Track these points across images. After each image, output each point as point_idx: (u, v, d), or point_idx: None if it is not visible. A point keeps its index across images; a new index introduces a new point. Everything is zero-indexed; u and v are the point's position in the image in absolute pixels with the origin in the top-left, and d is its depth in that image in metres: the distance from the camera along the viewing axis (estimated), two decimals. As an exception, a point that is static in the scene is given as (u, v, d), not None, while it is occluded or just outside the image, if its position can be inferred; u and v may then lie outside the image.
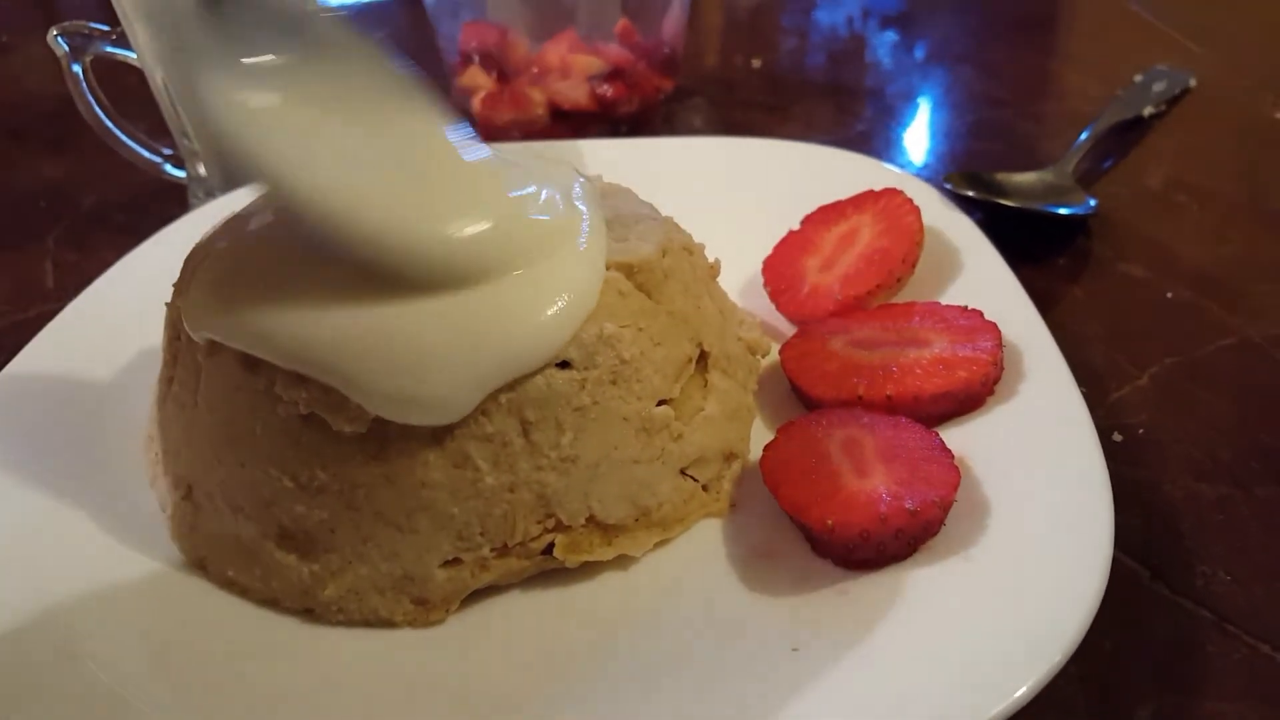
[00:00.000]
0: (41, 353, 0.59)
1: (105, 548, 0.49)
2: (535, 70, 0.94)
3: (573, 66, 0.94)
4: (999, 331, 0.53)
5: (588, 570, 0.48)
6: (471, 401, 0.44)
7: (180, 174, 0.84)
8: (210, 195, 0.83)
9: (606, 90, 0.95)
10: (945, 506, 0.44)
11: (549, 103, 0.95)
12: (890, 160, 0.91)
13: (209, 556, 0.48)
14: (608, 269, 0.48)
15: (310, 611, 0.47)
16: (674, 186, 0.69)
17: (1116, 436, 0.56)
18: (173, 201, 0.85)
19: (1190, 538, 0.50)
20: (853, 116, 1.03)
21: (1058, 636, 0.38)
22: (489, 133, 0.92)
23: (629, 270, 0.49)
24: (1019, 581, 0.42)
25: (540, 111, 0.95)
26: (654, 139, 0.84)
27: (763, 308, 0.65)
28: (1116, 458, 0.47)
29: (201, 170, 0.84)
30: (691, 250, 0.56)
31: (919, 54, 1.18)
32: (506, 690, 0.43)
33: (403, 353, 0.43)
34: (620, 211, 0.54)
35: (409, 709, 0.42)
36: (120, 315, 0.63)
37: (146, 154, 0.83)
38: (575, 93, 0.95)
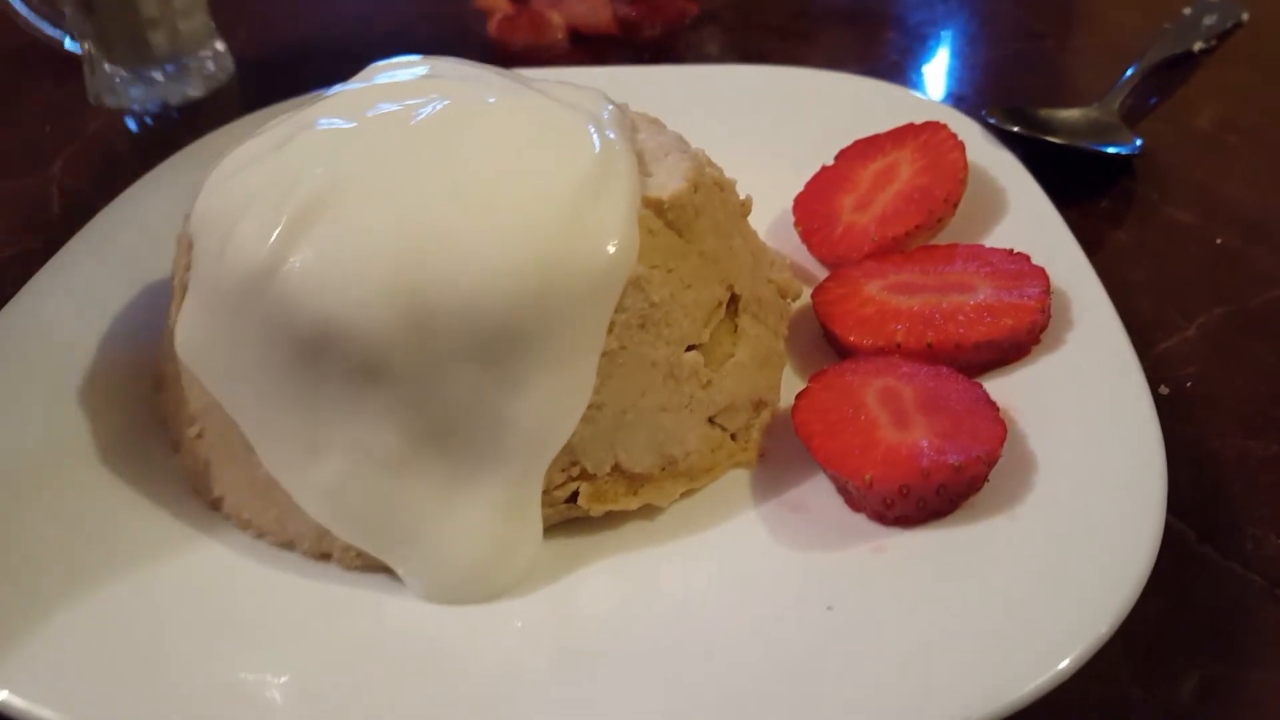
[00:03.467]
0: (49, 286, 0.57)
1: (114, 487, 0.48)
2: None
3: None
4: (1047, 277, 0.51)
5: (612, 520, 0.46)
6: None
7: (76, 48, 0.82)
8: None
9: (630, 12, 0.91)
10: (991, 462, 0.42)
11: (568, 26, 0.91)
12: (924, 93, 0.87)
13: (225, 497, 0.47)
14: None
15: (327, 556, 0.45)
16: (700, 116, 0.66)
17: (1163, 390, 0.54)
18: (180, 127, 0.82)
19: (1240, 498, 0.48)
20: (883, 46, 0.99)
21: (1105, 605, 0.37)
22: (506, 58, 0.89)
23: (659, 207, 0.47)
24: (1065, 545, 0.40)
25: (560, 35, 0.91)
26: (680, 66, 0.81)
27: (792, 248, 0.62)
28: (1163, 413, 0.45)
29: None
30: (723, 186, 0.53)
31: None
32: (526, 639, 0.41)
33: None
34: (648, 143, 0.52)
35: (424, 655, 0.41)
36: (129, 246, 0.60)
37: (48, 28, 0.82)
38: (596, 16, 0.92)
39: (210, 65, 0.88)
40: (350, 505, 0.43)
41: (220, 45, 0.89)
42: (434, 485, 0.42)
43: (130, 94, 0.85)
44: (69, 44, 0.81)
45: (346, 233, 0.41)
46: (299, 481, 0.43)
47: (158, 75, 0.85)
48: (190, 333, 0.45)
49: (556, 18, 0.91)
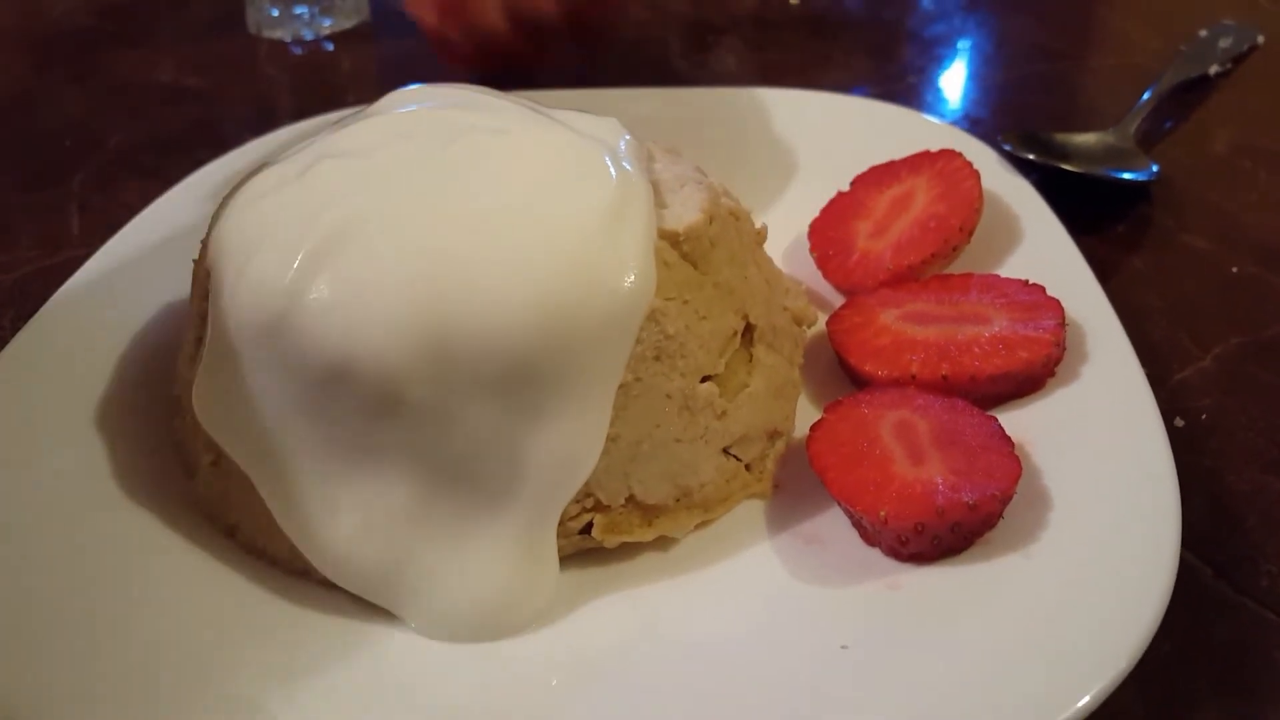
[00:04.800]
0: (67, 305, 0.57)
1: (130, 511, 0.48)
2: None
3: None
4: (1062, 309, 0.51)
5: (626, 551, 0.46)
6: None
7: None
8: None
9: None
10: (1005, 500, 0.42)
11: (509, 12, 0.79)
12: (939, 114, 0.87)
13: (239, 524, 0.47)
14: (653, 238, 0.46)
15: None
16: (716, 140, 0.67)
17: (1178, 422, 0.53)
18: (202, 144, 0.82)
19: (1256, 533, 0.48)
20: (899, 65, 0.99)
21: (1121, 643, 0.37)
22: (443, 55, 0.85)
23: (675, 239, 0.47)
24: (1080, 583, 0.40)
25: (500, 26, 0.80)
26: (696, 89, 0.81)
27: (808, 273, 0.62)
28: (1178, 445, 0.45)
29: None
30: (738, 216, 0.53)
31: (967, 5, 1.13)
32: (537, 673, 0.41)
33: None
34: (663, 174, 0.52)
35: (434, 687, 0.41)
36: (147, 266, 0.61)
37: None
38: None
39: (348, 5, 1.05)
40: (365, 564, 0.43)
41: None
42: (449, 534, 0.42)
43: (281, 27, 1.03)
44: None
45: (365, 265, 0.42)
46: (316, 545, 0.43)
47: (302, 12, 1.03)
48: (206, 387, 0.46)
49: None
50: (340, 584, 0.43)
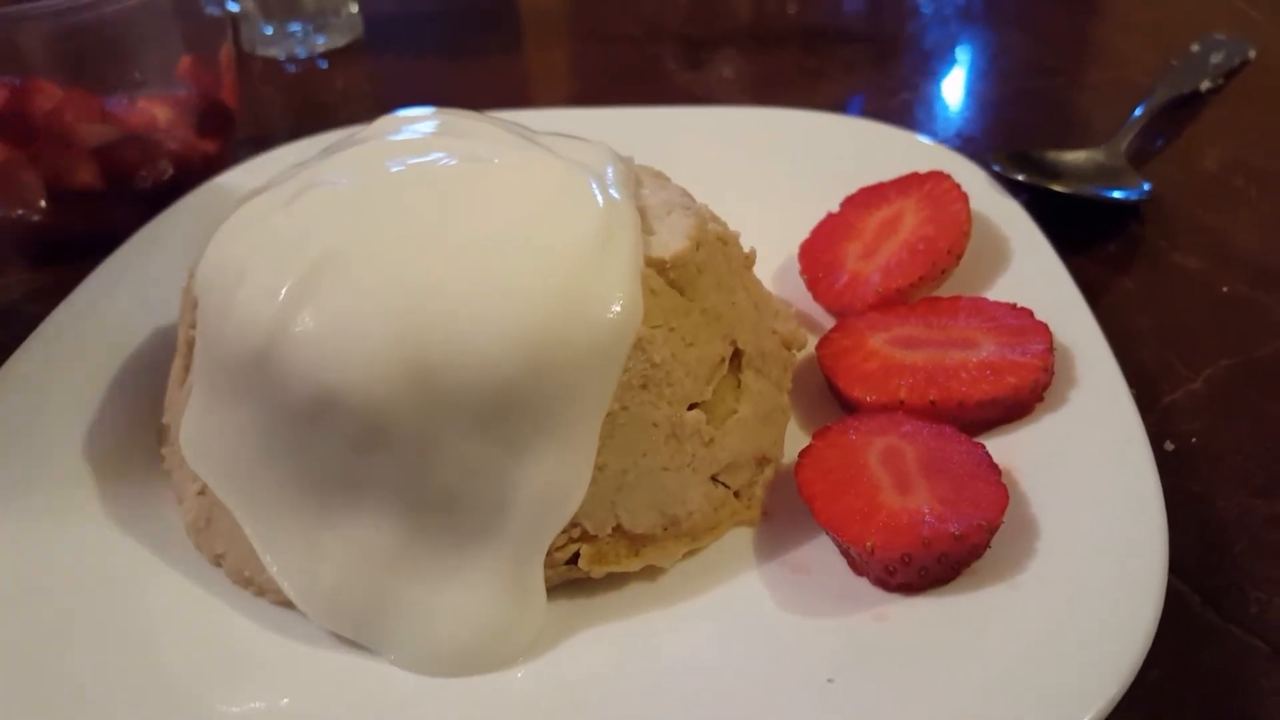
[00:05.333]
0: (60, 327, 0.57)
1: (119, 539, 0.48)
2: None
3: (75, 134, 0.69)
4: (1050, 334, 0.51)
5: (614, 581, 0.46)
6: None
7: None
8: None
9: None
10: (992, 530, 0.42)
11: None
12: (932, 131, 0.87)
13: (226, 554, 0.47)
14: (639, 266, 0.46)
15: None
16: (705, 159, 0.67)
17: (1168, 445, 0.53)
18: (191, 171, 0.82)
19: (1244, 559, 0.48)
20: (894, 79, 0.99)
21: (1110, 672, 0.37)
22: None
23: (661, 267, 0.47)
24: (1067, 613, 0.40)
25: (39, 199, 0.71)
26: (684, 108, 0.81)
27: (799, 294, 0.62)
28: (1168, 469, 0.45)
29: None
30: (726, 240, 0.53)
31: (963, 16, 1.13)
32: (524, 704, 0.41)
33: None
34: (650, 199, 0.52)
35: (421, 716, 0.41)
36: (141, 288, 0.61)
37: None
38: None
39: (342, 23, 1.07)
40: (350, 605, 0.43)
41: (354, 8, 1.08)
42: (435, 570, 0.42)
43: (276, 45, 1.05)
44: (230, 4, 0.87)
45: (350, 297, 0.42)
46: (300, 588, 0.43)
47: (296, 30, 1.04)
48: (195, 428, 0.46)
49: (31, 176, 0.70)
50: (325, 626, 0.43)
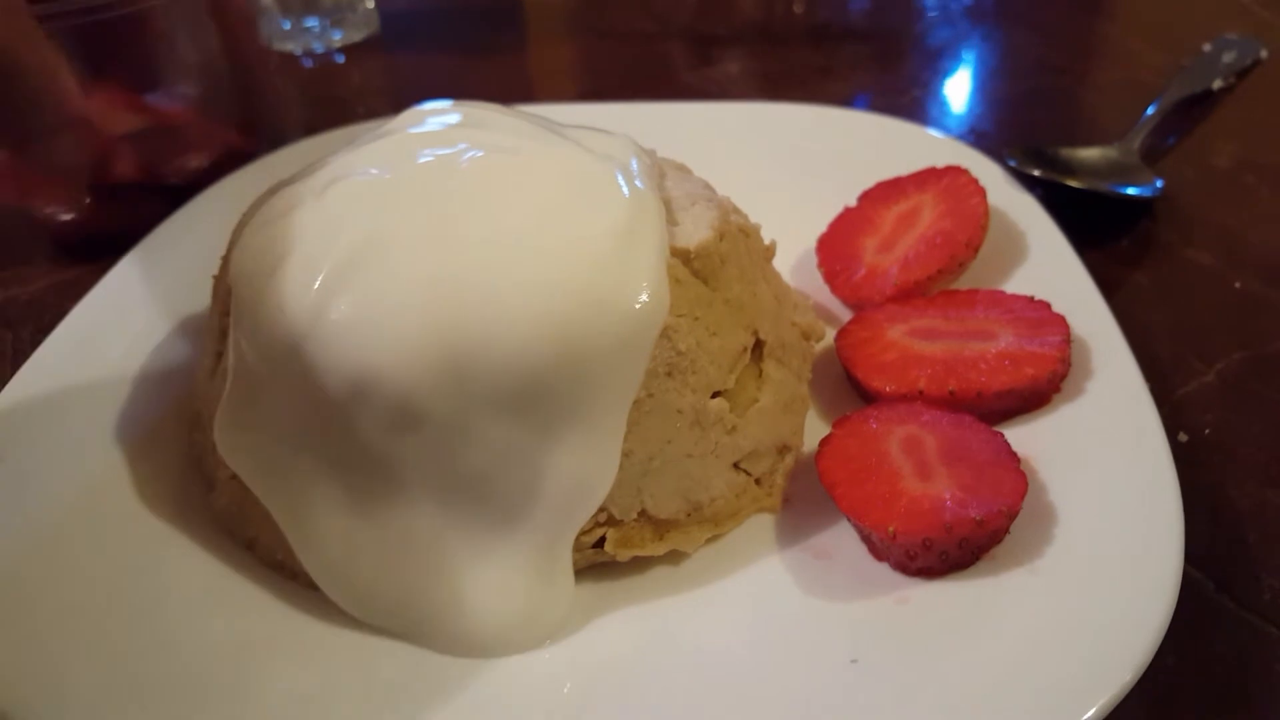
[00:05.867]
0: (87, 319, 0.58)
1: (150, 525, 0.49)
2: None
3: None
4: (1068, 326, 0.51)
5: (638, 565, 0.47)
6: None
7: None
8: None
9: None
10: (1012, 515, 0.43)
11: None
12: (944, 128, 0.88)
13: (258, 538, 0.48)
14: (665, 256, 0.46)
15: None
16: (724, 154, 0.67)
17: (1182, 437, 0.54)
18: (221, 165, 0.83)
19: (1258, 548, 0.49)
20: (903, 77, 1.00)
21: (1126, 657, 0.37)
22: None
23: (686, 257, 0.47)
24: (1085, 598, 0.40)
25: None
26: (700, 103, 0.82)
27: (815, 287, 0.63)
28: (1182, 460, 0.45)
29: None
30: (748, 233, 0.54)
31: (974, 15, 1.14)
32: (548, 686, 0.42)
33: None
34: (674, 191, 0.53)
35: (451, 696, 0.42)
36: (165, 279, 0.62)
37: None
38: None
39: (358, 18, 1.08)
40: (385, 599, 0.44)
41: (370, 3, 1.09)
42: (467, 557, 0.43)
43: (293, 40, 1.05)
44: None
45: (385, 284, 0.42)
46: (337, 584, 0.44)
47: (313, 25, 1.05)
48: (229, 420, 0.47)
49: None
50: (361, 619, 0.44)
